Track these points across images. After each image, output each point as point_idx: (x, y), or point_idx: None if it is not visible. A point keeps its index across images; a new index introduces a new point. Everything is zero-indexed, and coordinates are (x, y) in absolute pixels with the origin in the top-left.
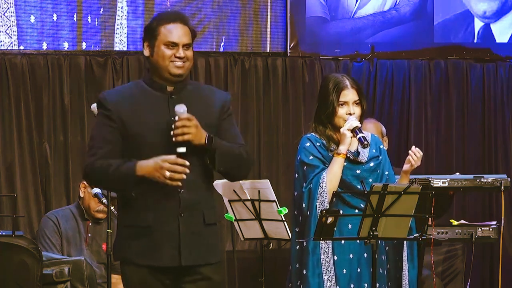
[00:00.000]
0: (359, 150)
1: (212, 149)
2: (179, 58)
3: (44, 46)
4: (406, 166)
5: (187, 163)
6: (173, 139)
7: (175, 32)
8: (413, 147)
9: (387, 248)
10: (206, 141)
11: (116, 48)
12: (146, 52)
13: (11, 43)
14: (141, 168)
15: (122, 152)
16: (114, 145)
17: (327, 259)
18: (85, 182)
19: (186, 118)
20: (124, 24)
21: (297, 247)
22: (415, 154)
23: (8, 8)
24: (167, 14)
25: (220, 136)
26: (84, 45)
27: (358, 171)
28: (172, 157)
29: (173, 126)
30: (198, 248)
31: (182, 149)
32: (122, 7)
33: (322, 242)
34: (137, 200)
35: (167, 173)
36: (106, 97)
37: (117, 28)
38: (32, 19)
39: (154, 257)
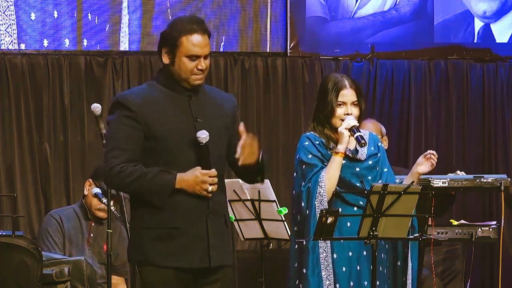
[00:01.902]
0: (357, 148)
1: (261, 165)
2: (201, 70)
3: (45, 43)
4: (423, 168)
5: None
6: (239, 162)
7: (198, 44)
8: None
9: (387, 246)
10: (260, 159)
11: (119, 48)
12: (166, 60)
13: (11, 41)
14: (182, 181)
15: (145, 154)
16: (137, 147)
17: (326, 258)
18: (90, 180)
19: (251, 140)
20: (125, 24)
21: (296, 246)
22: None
23: (8, 7)
24: (188, 23)
25: (233, 141)
26: (85, 42)
27: (357, 169)
28: (212, 172)
29: (238, 149)
30: (223, 249)
31: (204, 139)
32: (124, 7)
33: (320, 240)
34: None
35: (210, 188)
36: (128, 98)
37: (121, 28)
38: (33, 16)
39: (183, 259)
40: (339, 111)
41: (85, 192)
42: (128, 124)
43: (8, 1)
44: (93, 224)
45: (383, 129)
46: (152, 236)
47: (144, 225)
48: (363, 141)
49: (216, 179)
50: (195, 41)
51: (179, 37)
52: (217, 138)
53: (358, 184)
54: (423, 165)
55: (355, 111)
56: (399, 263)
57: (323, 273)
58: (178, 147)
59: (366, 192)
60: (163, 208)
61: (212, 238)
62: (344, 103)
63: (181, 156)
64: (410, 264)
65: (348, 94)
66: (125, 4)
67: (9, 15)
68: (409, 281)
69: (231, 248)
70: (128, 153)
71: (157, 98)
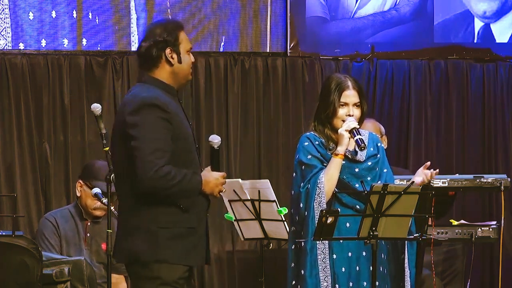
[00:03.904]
0: (356, 149)
1: None
2: (193, 63)
3: (43, 43)
4: (418, 180)
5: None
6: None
7: (187, 38)
8: (435, 171)
9: (388, 246)
10: None
11: (119, 48)
12: (173, 60)
13: (6, 44)
14: (205, 183)
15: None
16: (171, 149)
17: (323, 259)
18: (81, 181)
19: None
20: (126, 24)
21: (293, 246)
22: (431, 175)
23: (3, 10)
24: (172, 22)
25: None
26: (84, 42)
27: (356, 170)
28: (225, 174)
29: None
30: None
31: (217, 144)
32: (124, 7)
33: (318, 242)
34: (178, 202)
35: (224, 189)
36: (161, 100)
37: (122, 28)
38: (31, 15)
39: (193, 257)
40: (341, 111)
41: (78, 194)
42: (165, 126)
43: (3, 4)
44: (89, 224)
45: (382, 129)
46: (169, 235)
47: (160, 224)
48: (362, 144)
49: (225, 181)
50: (186, 36)
51: (177, 34)
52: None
53: (357, 185)
54: (419, 176)
55: (357, 112)
56: (400, 265)
57: (320, 275)
58: (191, 149)
59: (365, 192)
60: (185, 209)
61: (208, 237)
62: (346, 104)
63: (192, 158)
64: (407, 271)
65: (350, 95)
66: (125, 4)
67: (4, 18)
68: (407, 284)
69: None
70: (168, 154)
71: (168, 100)
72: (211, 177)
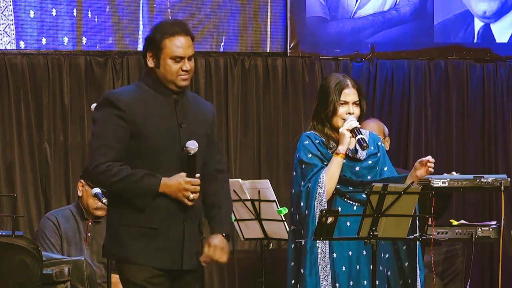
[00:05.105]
0: (357, 148)
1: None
2: (185, 71)
3: (43, 42)
4: (421, 173)
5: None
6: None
7: (181, 45)
8: (430, 157)
9: (395, 247)
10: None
11: (117, 48)
12: (151, 64)
13: (10, 41)
14: (165, 186)
15: (131, 154)
16: (125, 147)
17: (323, 258)
18: (82, 181)
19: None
20: (126, 24)
21: (293, 245)
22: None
23: (6, 7)
24: (171, 25)
25: (209, 149)
26: (84, 41)
27: (356, 168)
28: (195, 180)
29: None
30: (195, 254)
31: (193, 149)
32: (124, 7)
33: (318, 241)
34: (132, 201)
35: (191, 196)
36: (118, 97)
37: (122, 28)
38: (32, 14)
39: (156, 259)
40: (341, 110)
41: (79, 194)
42: (117, 123)
43: (6, 1)
44: (90, 224)
45: (386, 130)
46: (130, 233)
47: (123, 222)
48: (365, 144)
49: (198, 188)
50: (178, 43)
51: (162, 40)
52: (199, 145)
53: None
54: (420, 169)
55: (357, 110)
56: (406, 264)
57: (320, 274)
58: (162, 149)
59: (366, 192)
60: (144, 209)
61: (187, 242)
62: (346, 103)
63: (164, 159)
64: (418, 270)
65: (350, 93)
66: (125, 4)
67: (8, 15)
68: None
69: (199, 254)
70: (116, 151)
71: (146, 99)
72: (173, 181)
